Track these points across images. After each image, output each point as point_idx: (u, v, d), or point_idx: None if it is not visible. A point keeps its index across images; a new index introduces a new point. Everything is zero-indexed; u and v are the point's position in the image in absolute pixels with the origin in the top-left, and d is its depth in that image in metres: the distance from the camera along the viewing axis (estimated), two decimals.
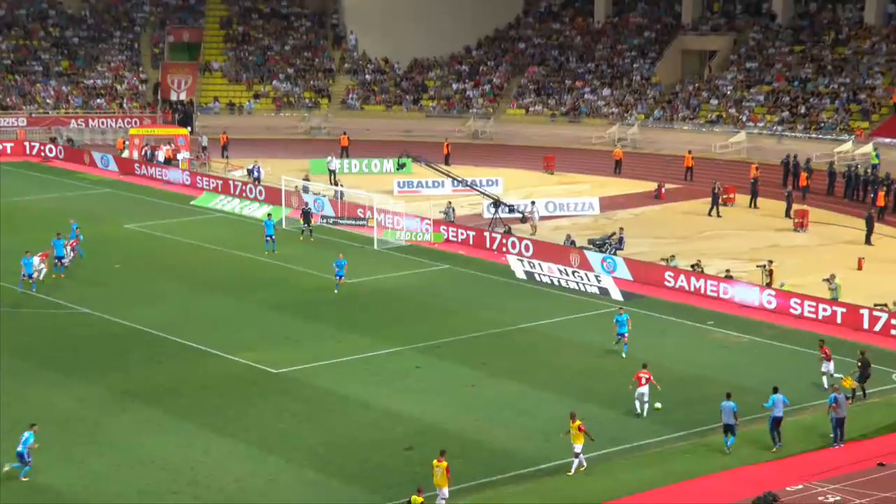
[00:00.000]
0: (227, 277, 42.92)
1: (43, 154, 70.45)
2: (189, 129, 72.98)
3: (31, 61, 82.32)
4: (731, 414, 28.14)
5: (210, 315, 38.68)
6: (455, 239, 50.37)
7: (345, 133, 71.81)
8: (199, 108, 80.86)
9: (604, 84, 78.38)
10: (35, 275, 41.05)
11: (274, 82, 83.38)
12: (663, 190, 60.32)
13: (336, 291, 36.66)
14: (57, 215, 54.05)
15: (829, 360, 32.07)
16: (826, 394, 29.95)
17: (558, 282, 43.61)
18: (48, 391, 31.13)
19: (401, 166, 60.33)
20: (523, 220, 53.40)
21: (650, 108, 74.90)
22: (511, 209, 53.35)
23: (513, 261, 45.68)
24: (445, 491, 24.80)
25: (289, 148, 74.77)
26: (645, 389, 29.82)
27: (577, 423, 26.58)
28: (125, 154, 68.74)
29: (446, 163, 67.63)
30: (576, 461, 26.59)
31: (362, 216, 53.44)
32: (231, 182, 60.80)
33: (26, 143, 71.47)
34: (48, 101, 79.13)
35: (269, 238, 46.32)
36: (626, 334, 33.80)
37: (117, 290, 41.45)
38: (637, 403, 29.93)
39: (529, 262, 45.01)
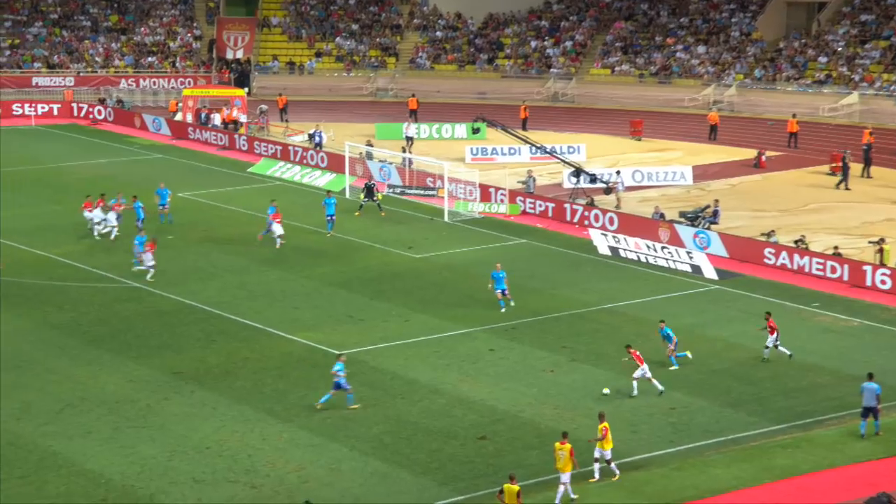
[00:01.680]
0: (287, 251, 43.33)
1: (91, 116, 71.68)
2: (246, 89, 73.68)
3: (79, 16, 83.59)
4: (872, 396, 27.69)
5: (268, 291, 39.10)
6: (533, 211, 50.23)
7: (413, 95, 71.90)
8: (256, 68, 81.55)
9: (698, 41, 77.27)
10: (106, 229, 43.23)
11: (337, 39, 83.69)
12: (764, 158, 59.42)
13: (504, 310, 36.25)
14: (105, 182, 55.00)
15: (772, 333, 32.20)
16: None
17: (645, 258, 43.29)
18: (97, 371, 31.76)
19: (475, 131, 60.23)
20: (607, 190, 53.02)
21: (750, 67, 73.67)
22: (594, 179, 53.01)
23: (596, 235, 45.42)
24: (567, 475, 24.74)
25: (353, 111, 75.11)
26: (640, 373, 30.14)
27: (605, 423, 26.01)
28: (178, 117, 69.62)
29: (523, 128, 67.37)
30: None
31: (432, 185, 53.49)
32: (291, 148, 61.30)
33: (73, 105, 72.75)
34: (97, 59, 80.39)
35: (329, 218, 45.40)
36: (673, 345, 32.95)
37: (169, 264, 42.04)
38: (635, 384, 30.23)
39: (614, 237, 44.72)
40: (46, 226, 46.67)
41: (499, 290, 36.54)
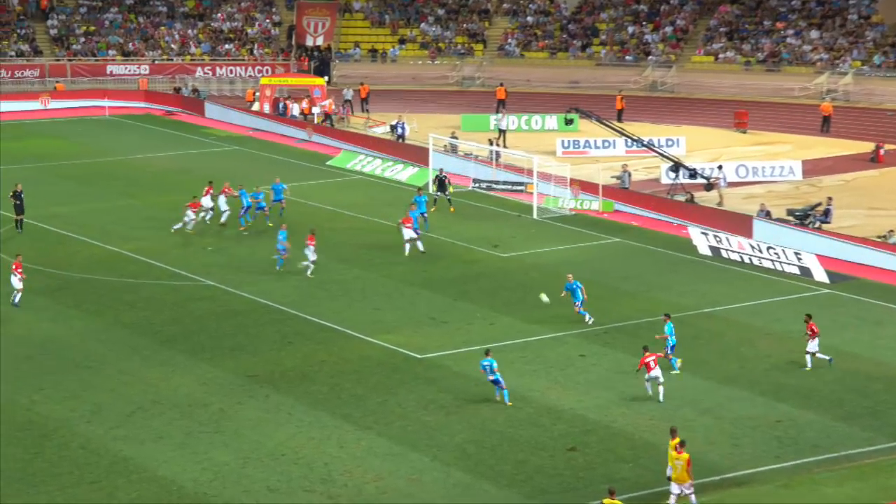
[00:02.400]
0: (367, 249, 43.56)
1: (166, 106, 72.90)
2: (326, 78, 74.31)
3: (155, 1, 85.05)
4: None
5: (347, 291, 39.35)
6: (628, 208, 49.83)
7: (501, 84, 71.85)
8: (337, 55, 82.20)
9: (811, 25, 75.93)
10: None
11: (422, 25, 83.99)
12: (882, 152, 58.19)
13: (589, 321, 35.89)
14: (179, 175, 55.90)
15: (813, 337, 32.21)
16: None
17: (750, 259, 42.72)
18: (169, 372, 32.27)
19: (567, 123, 59.91)
20: (709, 186, 52.41)
21: (869, 54, 72.18)
22: (694, 174, 52.46)
23: (696, 234, 44.94)
24: (686, 486, 24.39)
25: (437, 101, 75.30)
26: (657, 372, 29.97)
27: (677, 440, 24.84)
28: (255, 107, 70.48)
29: (619, 119, 66.93)
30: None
31: (520, 180, 53.38)
32: (372, 139, 61.61)
33: (146, 94, 73.97)
34: (172, 46, 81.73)
35: (421, 216, 44.35)
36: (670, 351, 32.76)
37: (245, 261, 42.54)
38: (649, 386, 30.09)
39: (715, 236, 44.19)
40: (119, 220, 47.58)
41: (576, 303, 35.93)
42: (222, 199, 46.38)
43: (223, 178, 50.06)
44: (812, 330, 32.43)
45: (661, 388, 30.34)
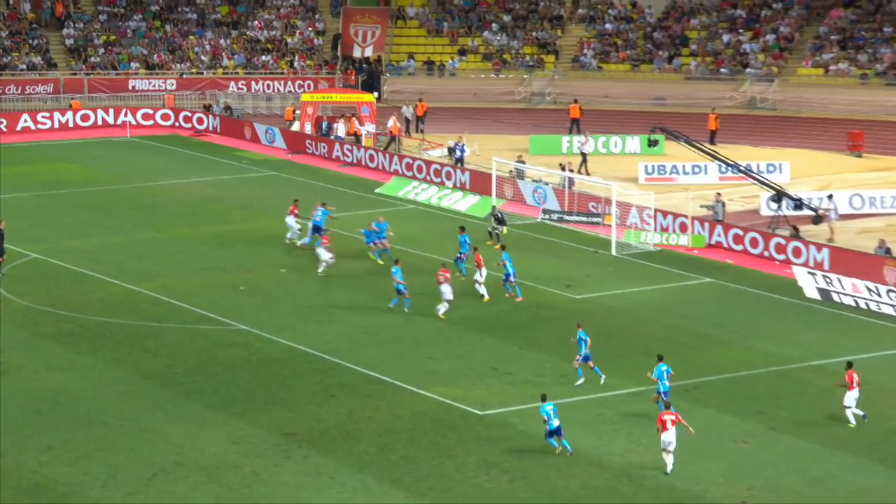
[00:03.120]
0: (420, 288, 43.64)
1: (194, 127, 73.73)
2: (376, 94, 74.84)
3: (184, 7, 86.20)
4: None
5: (397, 337, 39.40)
6: (723, 243, 49.50)
7: (576, 101, 71.95)
8: (388, 68, 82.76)
9: None
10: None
11: (485, 34, 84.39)
12: None
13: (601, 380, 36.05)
14: (208, 204, 56.44)
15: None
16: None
17: (866, 304, 42.27)
18: (196, 429, 32.46)
19: (651, 145, 59.93)
20: (817, 219, 51.99)
21: None
22: (800, 204, 52.08)
23: (801, 274, 44.58)
24: None
25: (502, 119, 75.46)
26: (671, 436, 29.80)
27: None
28: (295, 126, 71.13)
29: (712, 141, 66.64)
30: None
31: (596, 211, 53.26)
32: (427, 164, 61.90)
33: (172, 112, 74.85)
34: (202, 57, 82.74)
35: (460, 257, 44.92)
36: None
37: (282, 303, 42.80)
38: (665, 456, 29.92)
39: (825, 277, 43.78)
40: (140, 255, 48.10)
41: (577, 357, 35.20)
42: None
43: (257, 206, 50.35)
44: (851, 380, 32.64)
45: (670, 458, 29.85)
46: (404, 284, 41.41)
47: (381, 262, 46.57)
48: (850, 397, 32.84)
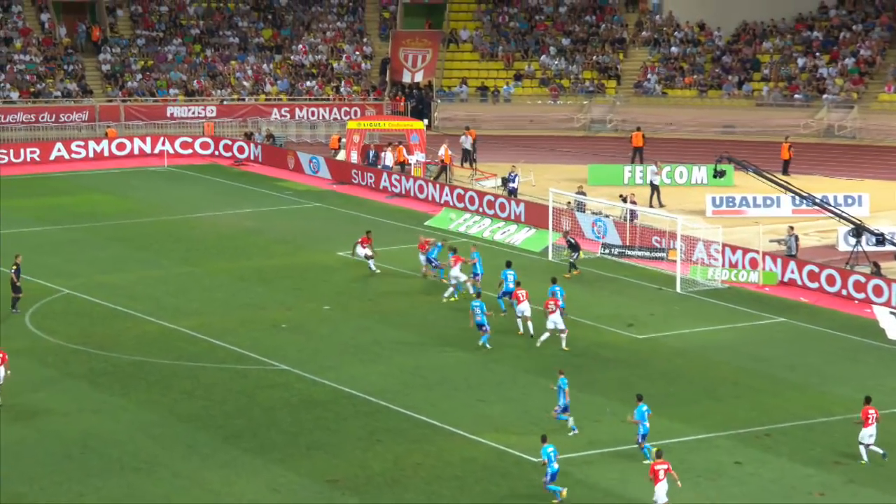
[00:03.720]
0: (472, 328, 43.55)
1: (234, 156, 74.21)
2: (426, 122, 75.08)
3: (225, 30, 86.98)
4: None
5: (446, 378, 39.38)
6: (797, 280, 49.21)
7: (639, 128, 71.85)
8: (439, 94, 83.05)
9: None
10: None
11: (542, 58, 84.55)
12: None
13: (571, 432, 35.64)
14: (248, 237, 56.74)
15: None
16: None
17: None
18: (233, 475, 32.54)
19: (717, 175, 59.27)
20: None
21: None
22: (881, 239, 51.63)
23: (883, 314, 44.21)
24: None
25: (560, 148, 75.44)
26: (662, 490, 30.29)
27: None
28: (341, 155, 71.42)
29: (785, 171, 66.25)
30: None
31: (660, 246, 53.07)
32: (479, 195, 61.94)
33: (211, 140, 75.36)
34: (244, 83, 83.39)
35: (505, 297, 44.64)
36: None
37: (326, 341, 42.92)
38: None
39: None
40: (176, 291, 48.41)
41: (556, 408, 35.00)
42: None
43: (300, 241, 50.41)
44: (868, 416, 33.15)
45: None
46: (486, 315, 41.55)
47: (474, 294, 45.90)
48: (866, 434, 33.23)
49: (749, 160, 58.07)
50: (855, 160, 70.97)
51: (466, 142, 70.08)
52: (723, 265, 50.37)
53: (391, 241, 55.84)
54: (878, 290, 47.22)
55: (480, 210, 60.54)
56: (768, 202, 60.08)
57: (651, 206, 60.23)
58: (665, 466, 30.45)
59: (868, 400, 33.91)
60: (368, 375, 39.52)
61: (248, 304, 46.92)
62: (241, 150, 74.22)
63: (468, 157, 69.74)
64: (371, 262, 50.06)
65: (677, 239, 50.71)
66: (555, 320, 41.97)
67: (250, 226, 59.06)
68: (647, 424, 33.22)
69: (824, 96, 77.07)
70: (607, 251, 53.76)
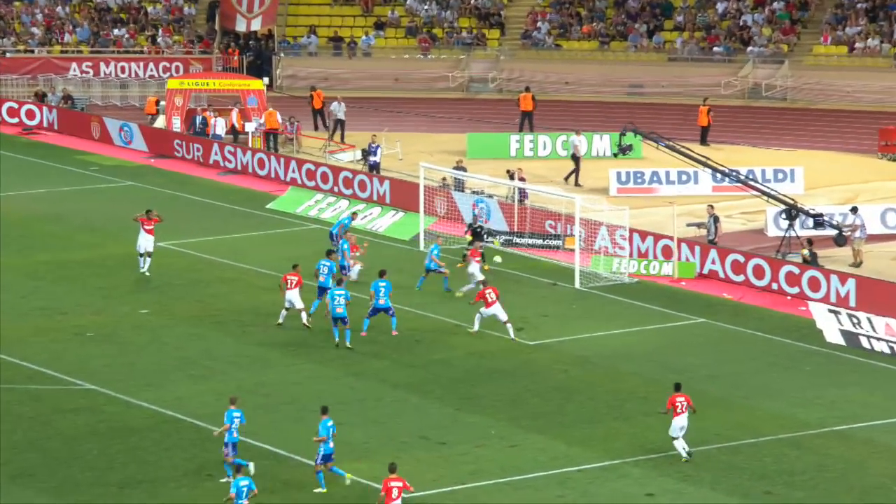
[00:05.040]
0: (324, 333, 43.50)
1: (22, 122, 73.10)
2: (266, 80, 74.73)
3: None
4: None
5: (295, 398, 39.24)
6: (718, 272, 49.88)
7: (527, 89, 72.22)
8: (283, 46, 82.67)
9: None
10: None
11: (409, 2, 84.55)
12: None
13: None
14: (44, 225, 55.97)
15: None
16: None
17: None
18: None
19: (623, 152, 58.94)
20: (839, 239, 52.42)
21: None
22: (819, 221, 52.46)
23: (819, 313, 44.88)
24: None
25: (432, 113, 75.50)
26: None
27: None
28: (159, 122, 70.84)
29: (703, 141, 67.14)
30: None
31: (555, 232, 53.42)
32: (334, 171, 61.81)
33: None
34: (33, 30, 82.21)
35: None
36: None
37: (143, 353, 42.57)
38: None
39: (851, 316, 44.16)
40: None
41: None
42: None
43: (113, 228, 49.98)
44: (676, 404, 34.86)
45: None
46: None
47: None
48: (677, 426, 34.89)
49: (659, 130, 58.47)
50: (786, 126, 72.07)
51: (339, 110, 69.28)
52: (630, 255, 50.81)
53: (226, 227, 55.54)
54: (814, 284, 47.97)
55: (335, 189, 60.43)
56: (684, 178, 60.75)
57: (568, 181, 60.73)
58: (399, 484, 31.06)
59: (678, 387, 35.31)
60: (198, 395, 39.22)
61: (44, 307, 46.34)
62: (30, 114, 73.27)
63: (335, 129, 68.97)
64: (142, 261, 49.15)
65: (575, 223, 51.04)
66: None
67: (45, 210, 58.34)
68: (332, 444, 33.27)
69: (749, 49, 78.09)
70: (491, 239, 53.95)
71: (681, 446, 34.97)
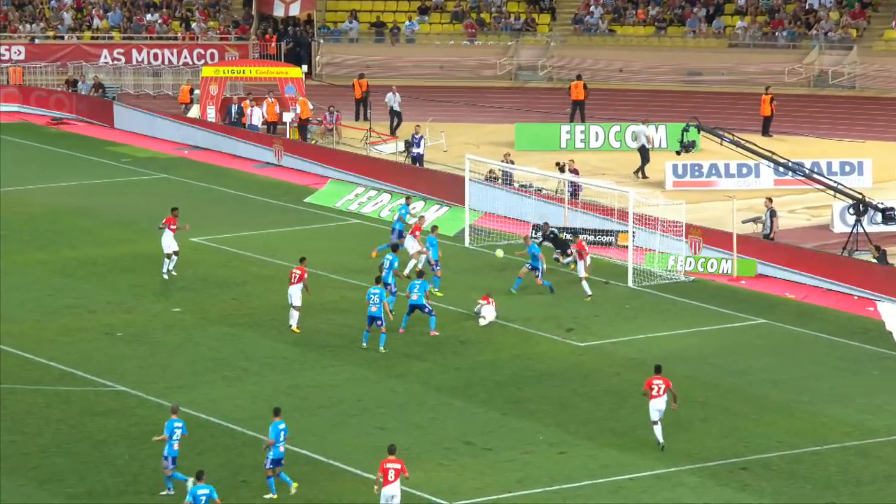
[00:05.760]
0: (361, 333, 43.62)
1: (51, 111, 73.41)
2: (304, 68, 74.81)
3: None
4: None
5: (334, 400, 39.34)
6: (779, 270, 49.82)
7: (579, 77, 72.14)
8: (323, 32, 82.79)
9: None
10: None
11: None
12: None
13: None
14: (74, 219, 56.29)
15: None
16: None
17: None
18: None
19: (686, 149, 57.82)
20: None
21: None
22: (889, 216, 52.22)
23: (889, 314, 44.76)
24: None
25: (479, 102, 75.51)
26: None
27: None
28: (194, 112, 71.04)
29: (765, 131, 66.91)
30: None
31: (608, 228, 53.38)
32: (377, 163, 61.82)
33: (19, 91, 74.51)
34: (63, 15, 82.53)
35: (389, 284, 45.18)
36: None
37: (176, 354, 42.82)
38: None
39: None
40: None
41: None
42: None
43: (145, 222, 50.22)
44: (653, 386, 35.85)
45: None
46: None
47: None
48: (654, 409, 35.82)
49: (718, 121, 58.13)
50: (855, 117, 71.76)
51: (394, 101, 69.23)
52: (686, 253, 50.72)
53: (263, 222, 55.71)
54: (883, 283, 47.79)
55: (377, 182, 60.45)
56: (744, 171, 60.58)
57: (639, 176, 60.99)
58: (398, 466, 31.72)
59: (658, 369, 36.39)
60: (233, 398, 39.40)
61: (73, 306, 46.58)
62: (59, 104, 73.52)
63: (398, 120, 68.89)
64: (168, 262, 48.97)
65: (629, 219, 51.00)
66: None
67: (75, 204, 58.62)
68: (283, 448, 33.35)
69: (814, 33, 77.74)
70: (535, 233, 53.94)
71: (658, 431, 35.82)
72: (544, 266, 47.03)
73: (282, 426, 33.23)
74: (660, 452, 35.88)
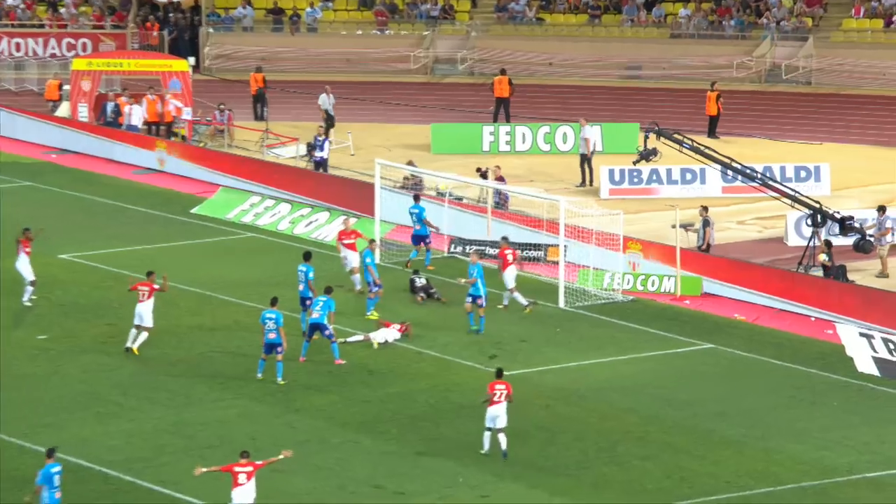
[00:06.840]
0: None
1: None
2: (191, 60, 74.63)
3: None
4: None
5: (226, 437, 39.13)
6: (728, 289, 49.93)
7: (503, 72, 72.26)
8: (211, 19, 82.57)
9: None
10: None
11: None
12: None
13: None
14: None
15: None
16: None
17: None
18: None
19: (646, 157, 56.83)
20: (863, 245, 52.23)
21: None
22: (845, 226, 52.49)
23: (850, 337, 44.97)
24: None
25: (389, 100, 75.52)
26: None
27: None
28: (62, 110, 70.65)
29: (711, 132, 67.20)
30: None
31: (536, 241, 53.37)
32: (274, 169, 61.68)
33: None
34: None
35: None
36: None
37: (39, 388, 42.43)
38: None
39: (887, 341, 44.27)
40: None
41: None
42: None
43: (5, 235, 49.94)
44: (495, 391, 37.15)
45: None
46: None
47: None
48: (491, 415, 37.44)
49: (662, 124, 57.92)
50: (810, 115, 72.27)
51: (327, 102, 68.93)
52: (622, 269, 50.75)
53: (142, 236, 55.40)
54: (843, 303, 48.00)
55: (274, 190, 60.33)
56: (688, 177, 60.84)
57: (584, 182, 61.23)
58: (249, 468, 32.83)
59: (499, 373, 38.06)
60: (107, 437, 39.10)
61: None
62: None
63: (328, 123, 68.48)
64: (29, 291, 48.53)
65: (560, 231, 51.01)
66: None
67: None
68: (59, 495, 33.13)
69: (764, 22, 78.27)
70: (460, 248, 53.88)
71: (487, 439, 37.38)
72: (484, 290, 46.40)
73: (55, 469, 32.83)
74: (597, 494, 35.83)
